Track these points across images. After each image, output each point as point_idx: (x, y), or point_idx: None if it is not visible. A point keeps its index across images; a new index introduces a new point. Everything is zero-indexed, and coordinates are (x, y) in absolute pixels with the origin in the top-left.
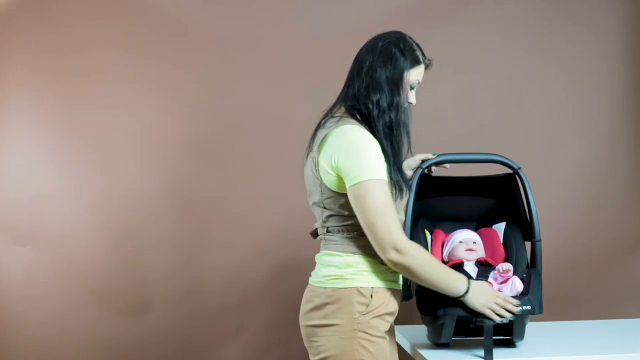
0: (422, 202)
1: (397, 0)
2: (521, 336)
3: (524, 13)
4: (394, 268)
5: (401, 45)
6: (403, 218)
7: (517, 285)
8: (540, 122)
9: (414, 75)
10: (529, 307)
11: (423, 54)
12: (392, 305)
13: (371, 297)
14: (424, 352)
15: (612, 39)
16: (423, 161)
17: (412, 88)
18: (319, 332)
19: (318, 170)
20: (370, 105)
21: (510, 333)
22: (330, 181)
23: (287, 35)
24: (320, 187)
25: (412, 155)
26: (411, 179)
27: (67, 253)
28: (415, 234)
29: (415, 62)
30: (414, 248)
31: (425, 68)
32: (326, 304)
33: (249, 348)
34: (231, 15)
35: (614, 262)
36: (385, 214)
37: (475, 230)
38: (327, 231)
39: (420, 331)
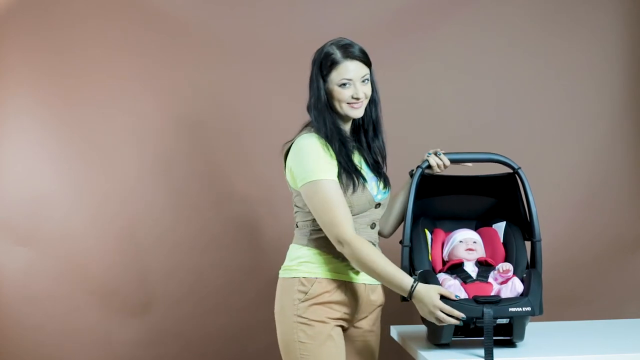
0: (422, 201)
1: (397, 0)
2: (521, 336)
3: (524, 13)
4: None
5: (317, 60)
6: (375, 210)
7: (517, 286)
8: (540, 122)
9: (336, 77)
10: (529, 309)
11: (344, 51)
12: (341, 295)
13: (312, 286)
14: (424, 352)
15: (612, 39)
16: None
17: (343, 85)
18: (275, 319)
19: (286, 174)
20: (312, 119)
21: (510, 333)
22: (292, 182)
23: (288, 36)
24: (290, 187)
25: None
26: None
27: (67, 253)
28: (415, 233)
29: (329, 68)
30: (356, 241)
31: (353, 58)
32: (277, 292)
33: (249, 348)
34: (232, 16)
35: (614, 262)
36: (331, 209)
37: (475, 229)
38: (296, 225)
39: (420, 331)
